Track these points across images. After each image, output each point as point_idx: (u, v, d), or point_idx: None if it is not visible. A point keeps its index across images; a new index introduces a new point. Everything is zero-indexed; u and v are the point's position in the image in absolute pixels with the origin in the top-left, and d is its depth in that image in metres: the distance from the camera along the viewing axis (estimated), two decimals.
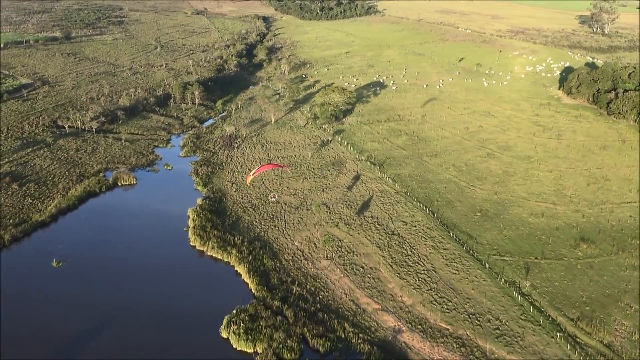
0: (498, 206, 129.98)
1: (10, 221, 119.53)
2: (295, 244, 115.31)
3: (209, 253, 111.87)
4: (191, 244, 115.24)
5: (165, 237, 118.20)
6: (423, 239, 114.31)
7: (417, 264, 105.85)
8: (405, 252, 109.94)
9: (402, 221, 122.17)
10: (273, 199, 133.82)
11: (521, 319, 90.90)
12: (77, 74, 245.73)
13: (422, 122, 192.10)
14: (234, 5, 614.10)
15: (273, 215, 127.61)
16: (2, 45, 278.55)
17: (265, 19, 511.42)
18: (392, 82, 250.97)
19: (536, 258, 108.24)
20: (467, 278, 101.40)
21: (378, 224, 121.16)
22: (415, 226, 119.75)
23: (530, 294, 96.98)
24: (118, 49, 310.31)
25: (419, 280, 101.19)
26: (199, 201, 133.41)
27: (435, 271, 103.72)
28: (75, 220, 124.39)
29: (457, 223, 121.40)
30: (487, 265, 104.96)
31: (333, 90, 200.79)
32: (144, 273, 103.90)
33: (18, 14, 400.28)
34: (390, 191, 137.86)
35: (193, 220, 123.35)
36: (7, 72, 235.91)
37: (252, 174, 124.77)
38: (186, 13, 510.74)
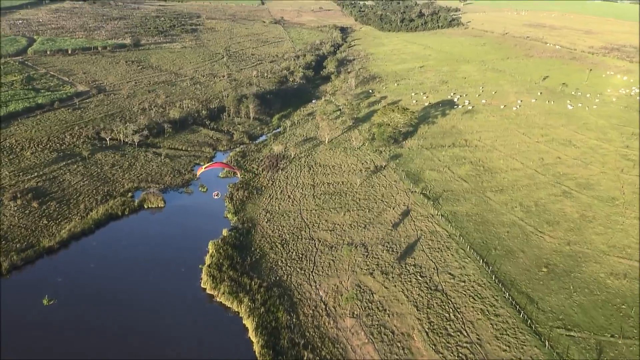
0: (570, 261, 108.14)
1: (17, 245, 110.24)
2: (320, 293, 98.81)
3: (218, 299, 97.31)
4: (202, 285, 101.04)
5: (176, 275, 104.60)
6: (471, 300, 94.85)
7: (459, 334, 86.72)
8: (447, 315, 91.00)
9: (450, 273, 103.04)
10: (217, 197, 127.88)
11: None
12: (135, 83, 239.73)
13: (491, 149, 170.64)
14: (314, 15, 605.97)
15: (302, 254, 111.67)
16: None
17: (343, 30, 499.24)
18: (466, 101, 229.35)
19: (612, 336, 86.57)
20: (520, 358, 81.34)
21: (420, 275, 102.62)
22: (465, 281, 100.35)
23: None
24: (184, 57, 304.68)
25: (458, 356, 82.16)
26: (224, 232, 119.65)
27: (480, 345, 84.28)
28: (85, 248, 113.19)
29: (516, 280, 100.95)
30: (547, 342, 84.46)
31: (393, 110, 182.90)
32: (137, 321, 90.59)
33: (96, 20, 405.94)
34: (442, 233, 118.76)
35: (211, 256, 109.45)
36: (66, 79, 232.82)
37: (204, 168, 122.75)
38: (264, 22, 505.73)
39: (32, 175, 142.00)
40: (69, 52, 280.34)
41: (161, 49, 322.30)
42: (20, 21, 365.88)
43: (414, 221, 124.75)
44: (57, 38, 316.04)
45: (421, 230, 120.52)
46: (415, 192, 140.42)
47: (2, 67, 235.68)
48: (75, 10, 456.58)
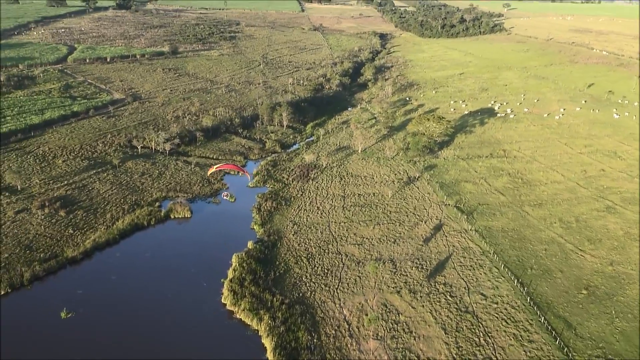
0: (612, 282, 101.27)
1: (41, 255, 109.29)
2: (344, 312, 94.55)
3: (238, 316, 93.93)
4: (223, 300, 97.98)
5: (197, 289, 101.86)
6: (504, 323, 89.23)
7: None
8: (476, 340, 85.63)
9: (482, 294, 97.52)
10: (226, 197, 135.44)
11: None
12: (171, 90, 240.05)
13: (531, 161, 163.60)
14: (354, 22, 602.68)
15: (328, 270, 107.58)
16: None
17: (382, 36, 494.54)
18: (507, 110, 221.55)
19: None
20: None
21: (450, 295, 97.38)
22: (497, 303, 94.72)
23: None
24: (221, 65, 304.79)
25: None
26: (249, 245, 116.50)
27: None
28: (108, 259, 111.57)
29: (552, 303, 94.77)
30: None
31: (428, 119, 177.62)
32: (154, 338, 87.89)
33: (136, 28, 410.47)
34: (475, 249, 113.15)
35: (234, 269, 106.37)
36: (103, 87, 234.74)
37: (215, 168, 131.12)
38: (303, 29, 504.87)
39: (62, 184, 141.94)
40: (108, 60, 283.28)
41: (198, 56, 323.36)
42: (62, 30, 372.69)
43: (446, 236, 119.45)
44: (97, 46, 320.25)
45: (453, 246, 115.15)
46: (449, 205, 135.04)
47: (42, 75, 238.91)
48: (117, 18, 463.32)
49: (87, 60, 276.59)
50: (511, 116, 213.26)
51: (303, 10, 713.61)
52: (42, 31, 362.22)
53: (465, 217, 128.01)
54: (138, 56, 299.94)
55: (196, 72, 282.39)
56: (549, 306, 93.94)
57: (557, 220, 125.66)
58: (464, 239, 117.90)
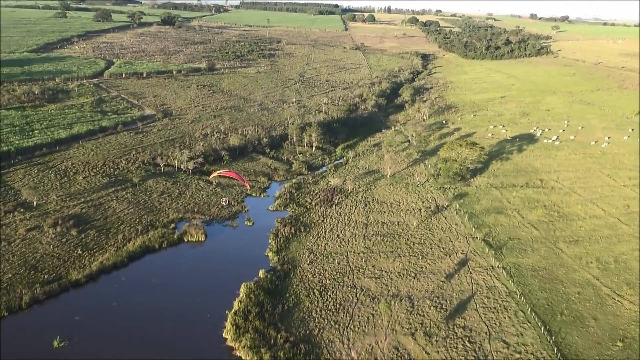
0: None
1: (45, 277, 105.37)
2: (352, 354, 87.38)
3: (238, 353, 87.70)
4: (224, 335, 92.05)
5: (199, 320, 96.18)
6: None
7: None
8: None
9: (504, 341, 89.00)
10: (224, 203, 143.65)
11: None
12: (203, 107, 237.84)
13: (569, 192, 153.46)
14: (397, 42, 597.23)
15: (340, 305, 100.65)
16: None
17: (424, 56, 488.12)
18: (554, 136, 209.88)
19: None
20: None
21: (469, 341, 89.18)
22: (520, 353, 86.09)
23: None
24: (257, 82, 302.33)
25: None
26: (261, 274, 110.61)
27: None
28: (112, 284, 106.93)
29: (583, 356, 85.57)
30: None
31: (460, 144, 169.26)
32: None
33: (177, 44, 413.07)
34: (501, 289, 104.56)
35: (240, 301, 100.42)
36: (135, 102, 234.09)
37: (218, 174, 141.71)
38: (344, 48, 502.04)
39: (79, 201, 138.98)
40: (144, 75, 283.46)
41: (235, 73, 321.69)
42: (104, 44, 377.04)
43: (470, 273, 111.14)
44: (134, 61, 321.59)
45: (477, 284, 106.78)
46: (477, 238, 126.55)
47: (76, 88, 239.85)
48: (160, 34, 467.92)
49: (123, 75, 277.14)
50: (556, 143, 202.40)
51: (346, 29, 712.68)
52: (84, 45, 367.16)
53: (494, 252, 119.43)
54: (174, 72, 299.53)
55: (230, 89, 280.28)
56: (579, 359, 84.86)
57: (593, 259, 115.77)
58: (490, 276, 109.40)
